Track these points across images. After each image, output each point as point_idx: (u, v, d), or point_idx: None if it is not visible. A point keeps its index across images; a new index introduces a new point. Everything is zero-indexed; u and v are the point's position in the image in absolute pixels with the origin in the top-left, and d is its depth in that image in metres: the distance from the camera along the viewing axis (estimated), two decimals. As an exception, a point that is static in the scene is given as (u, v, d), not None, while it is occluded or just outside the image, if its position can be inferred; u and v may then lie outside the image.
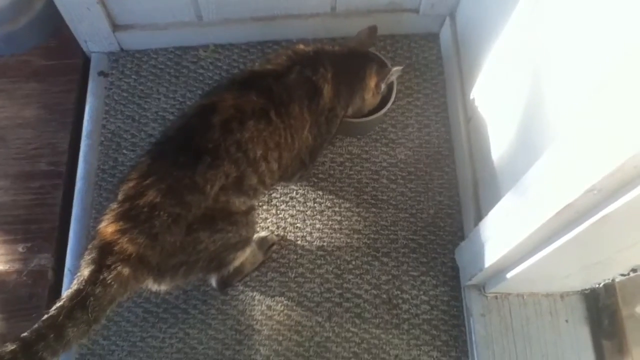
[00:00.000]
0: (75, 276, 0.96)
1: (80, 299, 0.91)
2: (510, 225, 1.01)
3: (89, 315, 0.91)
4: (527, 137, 1.07)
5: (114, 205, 1.00)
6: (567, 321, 1.28)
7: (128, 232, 0.96)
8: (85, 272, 0.94)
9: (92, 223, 1.42)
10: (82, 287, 0.92)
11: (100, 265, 0.94)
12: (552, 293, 1.29)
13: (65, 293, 0.94)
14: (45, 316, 0.91)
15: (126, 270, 0.94)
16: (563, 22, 0.93)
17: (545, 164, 0.85)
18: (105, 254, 0.95)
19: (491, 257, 1.12)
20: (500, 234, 1.07)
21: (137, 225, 0.96)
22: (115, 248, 0.95)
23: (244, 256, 1.21)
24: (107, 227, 0.97)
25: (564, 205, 0.80)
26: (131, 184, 1.00)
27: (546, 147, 0.91)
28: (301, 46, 1.23)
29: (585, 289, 1.27)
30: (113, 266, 0.93)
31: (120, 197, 1.00)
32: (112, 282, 0.93)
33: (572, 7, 0.89)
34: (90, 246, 0.98)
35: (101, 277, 0.92)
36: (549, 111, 0.97)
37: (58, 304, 0.92)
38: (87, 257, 0.96)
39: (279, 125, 1.10)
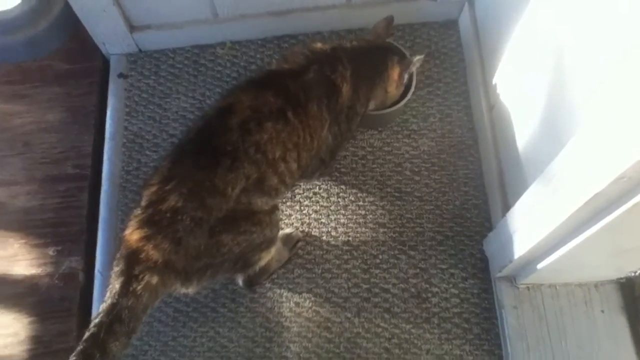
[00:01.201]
0: (107, 289, 0.98)
1: (115, 312, 0.93)
2: (538, 216, 0.99)
3: (127, 327, 0.93)
4: (552, 123, 1.04)
5: (138, 211, 1.00)
6: (602, 311, 1.24)
7: (152, 239, 0.96)
8: (116, 284, 0.96)
9: (119, 224, 1.43)
10: (115, 300, 0.94)
11: (129, 276, 0.95)
12: (586, 282, 1.26)
13: (101, 307, 0.96)
14: (87, 335, 0.92)
15: (154, 279, 0.95)
16: (584, 6, 0.89)
17: (572, 152, 0.83)
18: (132, 264, 0.96)
19: (520, 248, 1.10)
20: (528, 225, 1.05)
21: (161, 230, 0.97)
22: (142, 256, 0.96)
23: (270, 255, 1.20)
24: (132, 234, 0.98)
25: (593, 194, 0.77)
26: (153, 189, 1.00)
27: (572, 133, 0.89)
28: (318, 44, 1.21)
29: (621, 278, 1.23)
30: (141, 276, 0.95)
31: (143, 202, 1.01)
32: (143, 292, 0.94)
33: None
34: (117, 256, 0.99)
35: (131, 288, 0.94)
36: (574, 96, 0.94)
37: (96, 321, 0.94)
38: (116, 269, 0.98)
39: (297, 125, 1.08)
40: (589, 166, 0.78)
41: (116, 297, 0.94)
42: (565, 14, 0.97)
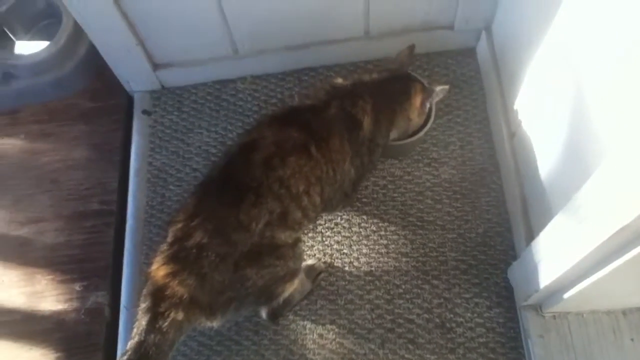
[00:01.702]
0: (134, 325, 0.99)
1: (143, 350, 0.96)
2: (563, 246, 0.98)
3: None
4: (575, 150, 1.03)
5: (164, 247, 1.02)
6: (632, 340, 1.22)
7: (178, 275, 0.98)
8: (143, 321, 0.97)
9: (144, 259, 1.45)
10: (142, 338, 0.97)
11: (156, 313, 0.97)
12: (614, 310, 1.24)
13: (129, 344, 0.98)
14: None
15: (180, 315, 0.97)
16: (607, 28, 0.89)
17: (598, 184, 0.82)
18: (158, 301, 0.97)
19: (545, 278, 1.08)
20: (553, 255, 1.04)
21: (186, 267, 0.98)
22: (167, 292, 0.97)
23: (293, 287, 1.21)
24: (158, 270, 1.00)
25: (619, 227, 0.77)
26: (179, 225, 1.02)
27: (596, 161, 0.88)
28: (339, 80, 1.23)
29: (650, 305, 1.21)
30: (167, 313, 0.96)
31: (169, 238, 1.02)
32: (169, 329, 0.96)
33: (615, 11, 0.86)
34: (144, 292, 1.01)
35: (157, 325, 0.96)
36: (598, 123, 0.93)
37: (125, 358, 0.96)
38: (143, 305, 0.99)
39: (319, 159, 1.10)
40: (615, 198, 0.77)
41: (143, 334, 0.96)
42: (586, 39, 0.97)
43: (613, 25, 0.87)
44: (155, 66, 1.58)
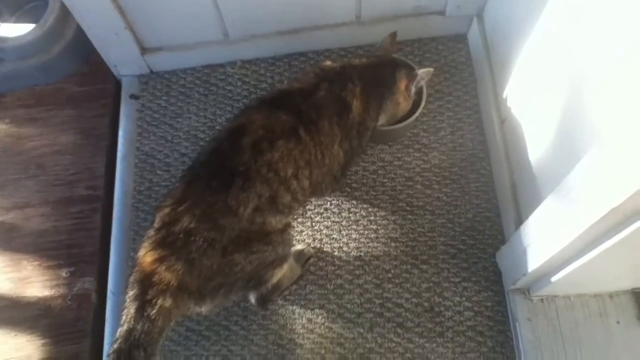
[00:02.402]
0: (123, 312, 0.99)
1: (133, 338, 0.95)
2: (553, 230, 0.98)
3: (145, 351, 0.95)
4: (565, 137, 1.04)
5: (151, 233, 1.01)
6: (618, 322, 1.23)
7: (165, 260, 0.97)
8: (132, 309, 0.97)
9: (131, 244, 1.44)
10: (131, 326, 0.96)
11: (144, 300, 0.96)
12: (601, 293, 1.25)
13: (118, 332, 0.97)
14: None
15: (168, 302, 0.96)
16: (598, 15, 0.90)
17: (588, 167, 0.83)
18: (146, 288, 0.97)
19: (534, 262, 1.09)
20: (542, 239, 1.04)
21: (174, 252, 0.97)
22: (155, 279, 0.97)
23: (282, 272, 1.20)
24: (145, 257, 0.99)
25: (609, 209, 0.77)
26: (166, 210, 1.01)
27: (586, 147, 0.88)
28: (328, 63, 1.22)
29: (636, 288, 1.22)
30: (154, 300, 0.96)
31: (156, 224, 1.02)
32: (157, 317, 0.95)
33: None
34: (131, 279, 1.00)
35: (146, 313, 0.95)
36: (588, 109, 0.94)
37: (115, 347, 0.96)
38: (130, 293, 0.99)
39: (308, 143, 1.09)
40: (605, 181, 0.78)
41: (132, 322, 0.96)
42: (577, 26, 0.97)
43: (605, 13, 0.88)
44: (144, 50, 1.56)
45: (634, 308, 1.24)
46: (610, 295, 1.25)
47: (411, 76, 1.29)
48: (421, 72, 1.29)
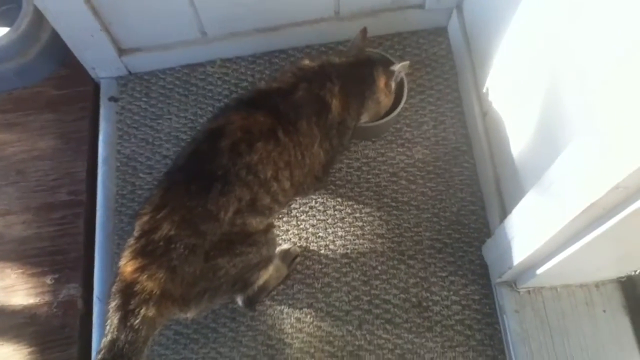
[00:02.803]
0: (107, 323, 0.97)
1: (116, 349, 0.94)
2: (536, 223, 0.99)
3: None
4: (546, 130, 1.04)
5: (131, 241, 1.00)
6: (604, 311, 1.24)
7: (147, 269, 0.96)
8: (115, 319, 0.96)
9: (116, 249, 1.42)
10: (115, 336, 0.95)
11: (126, 311, 0.95)
12: (587, 283, 1.26)
13: (102, 342, 0.96)
14: None
15: (151, 311, 0.95)
16: (579, 8, 0.89)
17: (568, 161, 0.83)
18: (127, 298, 0.95)
19: (519, 255, 1.09)
20: (525, 232, 1.05)
21: (155, 260, 0.96)
22: (136, 288, 0.95)
23: (268, 273, 1.19)
24: (126, 266, 0.97)
25: (589, 203, 0.77)
26: (145, 218, 1.00)
27: (567, 140, 0.88)
28: (306, 62, 1.21)
29: (622, 277, 1.23)
30: (137, 310, 0.95)
31: (135, 232, 1.00)
32: (140, 327, 0.94)
33: None
34: (113, 290, 0.99)
35: (129, 323, 0.94)
36: (569, 101, 0.93)
37: (99, 357, 0.95)
38: (113, 304, 0.97)
39: (287, 144, 1.08)
40: (585, 175, 0.78)
41: (115, 332, 0.94)
42: (557, 17, 0.97)
43: (585, 4, 0.87)
44: (121, 51, 1.54)
45: (619, 297, 1.25)
46: (596, 285, 1.25)
47: (389, 73, 1.28)
48: (398, 67, 1.28)
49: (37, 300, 1.41)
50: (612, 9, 0.78)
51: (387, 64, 1.33)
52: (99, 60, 1.54)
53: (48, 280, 1.43)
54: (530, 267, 1.13)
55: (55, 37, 1.50)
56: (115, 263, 1.37)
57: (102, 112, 1.59)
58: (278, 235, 1.40)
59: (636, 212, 0.75)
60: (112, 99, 1.59)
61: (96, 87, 1.64)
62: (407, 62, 1.29)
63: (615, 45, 0.76)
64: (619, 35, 0.75)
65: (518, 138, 1.20)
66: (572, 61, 0.92)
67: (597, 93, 0.82)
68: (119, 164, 1.52)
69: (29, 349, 1.36)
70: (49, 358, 1.36)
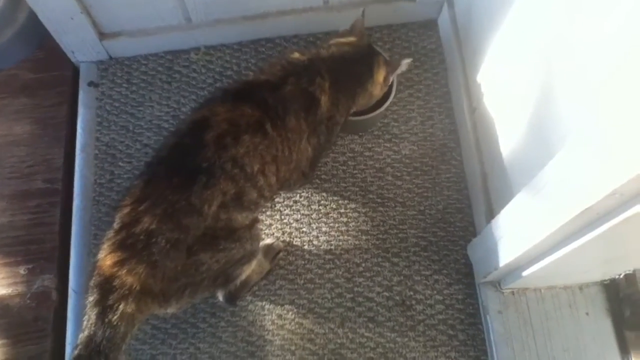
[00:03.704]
0: (84, 318, 0.94)
1: (93, 345, 0.91)
2: (525, 226, 0.97)
3: (107, 358, 0.91)
4: (538, 129, 1.02)
5: (110, 234, 0.96)
6: (587, 314, 1.24)
7: (126, 263, 0.92)
8: (92, 315, 0.92)
9: (93, 240, 1.38)
10: (92, 332, 0.91)
11: (104, 307, 0.91)
12: (571, 285, 1.25)
13: (79, 338, 0.93)
14: None
15: (130, 307, 0.92)
16: (574, 4, 0.86)
17: (563, 164, 0.80)
18: (106, 293, 0.92)
19: (505, 256, 1.08)
20: (514, 234, 1.03)
21: (135, 254, 0.93)
22: (115, 283, 0.92)
23: (250, 269, 1.17)
24: (105, 260, 0.94)
25: (583, 208, 0.76)
26: (126, 210, 0.96)
27: (560, 141, 0.87)
28: (296, 54, 1.17)
29: (605, 280, 1.23)
30: (115, 305, 0.91)
31: (116, 225, 0.96)
32: (119, 322, 0.91)
33: None
34: (91, 284, 0.95)
35: (107, 319, 0.91)
36: (562, 101, 0.91)
37: (75, 353, 0.91)
38: (90, 299, 0.94)
39: (275, 138, 1.05)
40: (580, 180, 0.76)
41: (92, 328, 0.91)
42: (552, 11, 0.94)
43: (580, 2, 0.85)
44: (102, 35, 1.49)
45: (602, 299, 1.24)
46: (580, 287, 1.25)
47: (391, 66, 1.25)
48: (403, 62, 1.25)
49: (9, 291, 1.36)
50: (612, 3, 0.76)
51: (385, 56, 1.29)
52: (78, 43, 1.49)
53: (22, 270, 1.38)
54: (516, 268, 1.12)
55: (33, 17, 1.44)
56: (92, 255, 1.34)
57: (81, 97, 1.54)
58: (261, 230, 1.37)
59: (630, 219, 0.73)
60: (92, 84, 1.54)
61: (75, 71, 1.58)
62: (409, 60, 1.26)
63: (615, 44, 0.74)
64: (619, 33, 0.73)
65: (508, 136, 1.18)
66: (568, 59, 0.89)
67: (595, 93, 0.80)
68: (97, 152, 1.47)
69: (1, 341, 1.32)
70: (21, 351, 1.32)
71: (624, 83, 0.66)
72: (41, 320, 1.34)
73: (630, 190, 0.68)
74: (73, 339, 1.31)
